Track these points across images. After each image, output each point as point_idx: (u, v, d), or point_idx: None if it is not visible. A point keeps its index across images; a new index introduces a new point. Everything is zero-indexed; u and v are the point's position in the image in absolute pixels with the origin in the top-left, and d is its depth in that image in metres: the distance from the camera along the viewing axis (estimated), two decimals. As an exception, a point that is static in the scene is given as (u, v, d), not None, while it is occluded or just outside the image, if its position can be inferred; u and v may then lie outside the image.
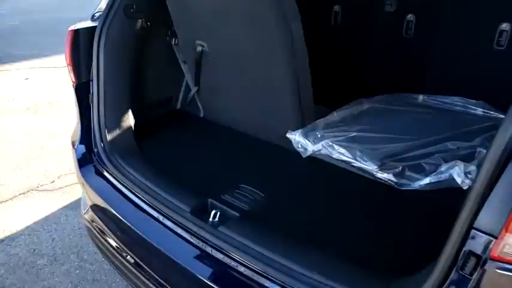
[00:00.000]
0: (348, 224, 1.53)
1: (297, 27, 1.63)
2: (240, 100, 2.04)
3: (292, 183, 1.77)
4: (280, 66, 1.76)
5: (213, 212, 1.55)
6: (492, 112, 2.13)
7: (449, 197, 1.57)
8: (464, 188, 1.54)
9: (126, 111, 2.07)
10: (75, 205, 3.00)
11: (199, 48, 2.04)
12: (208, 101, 2.27)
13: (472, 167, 1.56)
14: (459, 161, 1.59)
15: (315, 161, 1.87)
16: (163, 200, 1.64)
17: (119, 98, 2.04)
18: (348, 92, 2.37)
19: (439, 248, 1.04)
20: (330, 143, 1.81)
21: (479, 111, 2.17)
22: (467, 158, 1.70)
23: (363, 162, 1.72)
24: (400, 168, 1.69)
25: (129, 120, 2.07)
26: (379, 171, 1.69)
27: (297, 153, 1.91)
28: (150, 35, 2.14)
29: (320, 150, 1.84)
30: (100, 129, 1.96)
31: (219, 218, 1.54)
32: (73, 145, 2.11)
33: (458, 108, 2.25)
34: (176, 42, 2.31)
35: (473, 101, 2.22)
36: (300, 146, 1.89)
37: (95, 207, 1.90)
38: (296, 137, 1.90)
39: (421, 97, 2.39)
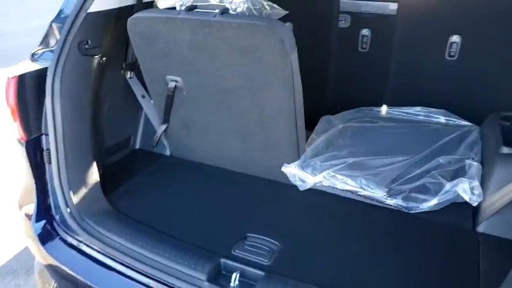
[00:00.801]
0: (381, 262, 1.47)
1: (295, 57, 1.53)
2: (224, 135, 1.88)
3: (303, 222, 1.66)
4: (278, 99, 1.64)
5: (233, 276, 1.38)
6: (453, 119, 2.27)
7: (458, 215, 1.61)
8: (474, 204, 1.59)
9: (90, 164, 1.77)
10: None
11: (171, 84, 1.83)
12: (181, 138, 2.05)
13: (475, 183, 1.62)
14: (462, 179, 1.64)
15: (314, 193, 1.79)
16: (166, 269, 1.42)
17: (81, 150, 1.74)
18: (311, 109, 2.34)
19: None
20: (332, 173, 1.75)
21: (442, 119, 2.29)
22: (460, 171, 1.77)
23: (370, 190, 1.69)
24: (408, 191, 1.69)
25: (95, 174, 1.78)
26: (388, 198, 1.67)
27: (293, 187, 1.82)
28: (104, 70, 1.86)
29: (321, 181, 1.76)
30: (63, 192, 1.64)
31: (240, 281, 1.37)
32: (23, 211, 1.76)
33: (421, 117, 2.35)
34: (132, 75, 2.06)
35: (435, 109, 2.34)
36: (297, 179, 1.80)
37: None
38: (292, 170, 1.80)
39: (383, 110, 2.46)
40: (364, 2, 2.45)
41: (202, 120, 1.91)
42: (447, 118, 2.28)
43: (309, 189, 1.79)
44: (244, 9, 1.61)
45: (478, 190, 1.59)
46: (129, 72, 2.04)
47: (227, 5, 1.61)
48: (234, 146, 1.90)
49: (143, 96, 2.11)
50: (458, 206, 1.64)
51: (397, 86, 2.48)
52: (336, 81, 2.59)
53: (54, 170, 1.63)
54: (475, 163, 1.75)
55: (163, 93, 1.89)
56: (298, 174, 1.79)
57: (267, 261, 1.46)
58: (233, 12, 1.62)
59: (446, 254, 1.48)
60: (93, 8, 1.66)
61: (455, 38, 2.25)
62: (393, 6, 2.37)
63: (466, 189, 1.60)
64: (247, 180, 1.91)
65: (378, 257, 1.48)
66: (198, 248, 1.49)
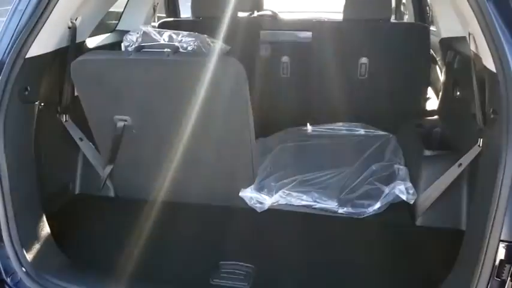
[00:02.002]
0: (349, 266, 1.61)
1: (247, 88, 1.65)
2: (178, 168, 1.89)
3: (271, 241, 1.75)
4: (235, 127, 1.73)
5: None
6: (371, 130, 2.59)
7: (398, 214, 1.86)
8: (411, 202, 1.85)
9: (40, 218, 1.66)
10: None
11: (120, 124, 1.80)
12: (128, 177, 2.01)
13: (408, 184, 1.89)
14: (398, 182, 1.90)
15: (272, 212, 1.90)
16: None
17: (30, 203, 1.62)
18: None
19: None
20: (287, 192, 1.89)
21: (362, 131, 2.60)
22: (392, 175, 2.04)
23: (323, 202, 1.86)
24: (354, 199, 1.90)
25: (46, 226, 1.67)
26: (340, 207, 1.86)
27: (251, 210, 1.91)
28: (42, 115, 1.77)
29: (278, 201, 1.89)
30: (16, 251, 1.51)
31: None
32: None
33: (344, 132, 2.64)
34: (67, 118, 1.97)
35: (354, 123, 2.64)
36: (255, 201, 1.90)
37: None
38: (249, 194, 1.89)
39: (309, 128, 2.69)
40: (281, 32, 2.68)
41: (153, 156, 1.90)
42: (366, 130, 2.59)
43: (267, 209, 1.90)
44: (195, 47, 1.68)
45: (411, 190, 1.86)
46: (64, 116, 1.96)
47: (176, 44, 1.67)
48: (189, 177, 1.92)
49: (81, 139, 2.02)
50: (397, 206, 1.89)
51: (318, 105, 2.74)
52: (261, 105, 2.77)
53: (3, 228, 1.50)
54: (402, 167, 2.04)
55: (110, 134, 1.85)
56: (256, 197, 1.89)
57: (247, 284, 1.52)
58: (184, 51, 1.68)
59: (396, 247, 1.70)
60: (30, 53, 1.58)
61: (364, 60, 2.59)
62: (307, 34, 2.63)
63: (402, 190, 1.86)
64: (205, 210, 1.95)
65: (344, 264, 1.63)
66: (176, 285, 1.49)
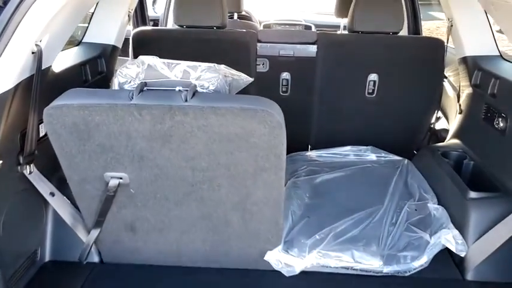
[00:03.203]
0: None
1: (284, 137, 1.30)
2: (188, 230, 1.51)
3: None
4: (267, 185, 1.38)
5: None
6: (383, 154, 2.33)
7: (444, 267, 1.62)
8: (462, 255, 1.61)
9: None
10: None
11: (113, 182, 1.37)
12: (121, 241, 1.59)
13: (455, 231, 1.65)
14: (444, 230, 1.65)
15: (302, 275, 1.58)
16: None
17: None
18: None
19: None
20: (323, 252, 1.57)
21: (373, 156, 2.34)
22: (428, 218, 1.79)
23: (366, 262, 1.58)
24: (397, 253, 1.63)
25: None
26: (385, 266, 1.58)
27: (277, 273, 1.58)
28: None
29: (313, 263, 1.57)
30: None
31: None
32: None
33: (352, 157, 2.36)
34: (32, 169, 1.51)
35: (363, 147, 2.37)
36: (283, 264, 1.57)
37: None
38: (277, 256, 1.56)
39: (313, 154, 2.39)
40: (281, 44, 2.33)
41: (156, 218, 1.50)
42: (377, 155, 2.34)
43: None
44: (219, 86, 1.29)
45: (460, 239, 1.62)
46: (28, 167, 1.48)
47: (193, 81, 1.27)
48: (201, 239, 1.55)
49: (52, 194, 1.57)
50: (440, 256, 1.65)
51: (321, 126, 2.44)
52: None
53: None
54: (437, 206, 1.80)
55: (98, 194, 1.42)
56: (284, 259, 1.56)
57: None
58: (204, 90, 1.29)
59: None
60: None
61: (373, 77, 2.31)
62: (312, 48, 2.31)
63: (450, 240, 1.62)
64: (218, 275, 1.59)
65: None
66: None
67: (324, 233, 1.67)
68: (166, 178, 1.37)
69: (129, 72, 1.28)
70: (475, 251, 1.60)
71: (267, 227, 1.51)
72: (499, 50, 2.04)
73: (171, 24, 3.45)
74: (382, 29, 2.25)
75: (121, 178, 1.38)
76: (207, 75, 1.27)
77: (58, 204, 1.59)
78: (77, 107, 1.21)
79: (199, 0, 2.27)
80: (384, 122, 2.40)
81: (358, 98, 2.37)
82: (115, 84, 1.33)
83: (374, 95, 2.36)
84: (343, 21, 3.73)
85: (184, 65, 1.27)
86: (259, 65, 2.35)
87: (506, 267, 1.60)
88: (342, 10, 3.04)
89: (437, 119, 2.46)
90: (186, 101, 1.21)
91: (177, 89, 1.27)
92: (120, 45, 2.30)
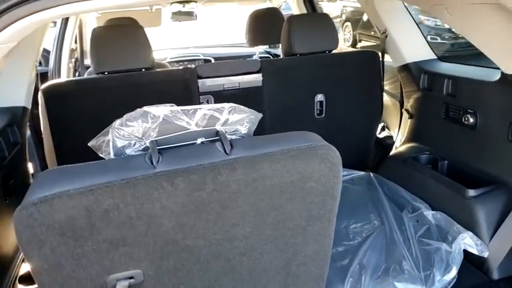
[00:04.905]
0: None
1: (340, 183, 1.09)
2: None
3: None
4: (316, 238, 1.13)
5: None
6: (345, 173, 2.26)
7: (469, 272, 1.59)
8: (485, 255, 1.58)
9: None
10: None
11: (122, 285, 0.97)
12: None
13: (470, 234, 1.62)
14: (462, 235, 1.61)
15: None
16: None
17: None
18: None
19: None
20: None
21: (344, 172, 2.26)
22: (432, 226, 1.75)
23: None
24: (430, 272, 1.53)
25: None
26: (426, 289, 1.46)
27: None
28: None
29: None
30: None
31: None
32: None
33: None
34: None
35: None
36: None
37: None
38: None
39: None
40: (225, 78, 2.12)
41: None
42: (344, 170, 2.26)
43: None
44: (251, 128, 1.02)
45: (477, 240, 1.60)
46: None
47: (218, 128, 0.98)
48: None
49: None
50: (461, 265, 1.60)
51: None
52: None
53: None
54: (436, 213, 1.77)
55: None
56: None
57: None
58: (235, 137, 1.00)
59: None
60: None
61: (320, 97, 2.25)
62: (258, 77, 2.15)
63: (470, 244, 1.59)
64: None
65: None
66: None
67: (354, 272, 1.48)
68: (196, 262, 1.03)
69: (131, 131, 0.93)
70: (495, 248, 1.59)
71: (311, 287, 1.26)
72: (435, 54, 2.16)
73: (64, 76, 2.94)
74: (319, 48, 2.22)
75: (132, 278, 0.99)
76: (235, 117, 1.00)
77: None
78: (78, 193, 0.81)
79: (121, 41, 1.93)
80: (336, 140, 2.31)
81: (308, 120, 2.28)
82: (109, 151, 0.95)
83: (323, 115, 2.29)
84: (257, 49, 3.72)
85: (204, 109, 0.97)
86: (202, 102, 2.10)
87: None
88: (255, 39, 2.98)
89: (383, 128, 2.52)
90: (227, 154, 0.91)
91: (199, 141, 0.97)
92: (29, 106, 1.82)
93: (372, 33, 7.79)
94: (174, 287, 1.06)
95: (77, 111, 1.90)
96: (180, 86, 2.03)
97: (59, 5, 1.04)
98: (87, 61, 3.81)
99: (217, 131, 0.97)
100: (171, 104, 0.97)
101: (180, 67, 2.19)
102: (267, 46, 4.27)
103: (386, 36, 2.21)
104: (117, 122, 0.98)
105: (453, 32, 5.99)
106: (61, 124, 1.87)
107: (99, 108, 1.91)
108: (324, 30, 2.22)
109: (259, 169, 0.93)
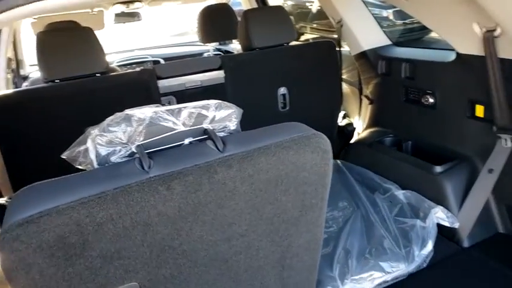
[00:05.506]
0: None
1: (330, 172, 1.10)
2: None
3: None
4: (309, 227, 1.13)
5: None
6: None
7: (442, 243, 1.67)
8: (456, 226, 1.67)
9: None
10: None
11: None
12: None
13: (440, 207, 1.70)
14: (434, 209, 1.68)
15: None
16: None
17: None
18: None
19: None
20: (356, 277, 1.41)
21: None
22: (405, 205, 1.82)
23: (397, 269, 1.48)
24: (410, 249, 1.58)
25: None
26: (408, 265, 1.52)
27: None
28: None
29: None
30: None
31: None
32: None
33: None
34: None
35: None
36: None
37: None
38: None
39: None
40: (186, 77, 2.06)
41: None
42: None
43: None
44: (236, 124, 0.99)
45: (448, 213, 1.68)
46: None
47: (205, 126, 0.94)
48: None
49: None
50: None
51: None
52: None
53: None
54: (406, 191, 1.84)
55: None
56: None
57: None
58: (224, 134, 0.97)
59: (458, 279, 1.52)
60: None
61: (282, 90, 2.26)
62: (219, 74, 2.11)
63: (442, 217, 1.66)
64: None
65: None
66: None
67: (340, 257, 1.50)
68: (193, 266, 0.99)
69: (114, 137, 0.87)
70: (463, 219, 1.68)
71: (304, 276, 1.26)
72: (390, 39, 2.24)
73: (3, 88, 2.72)
74: (277, 41, 2.22)
75: (127, 293, 0.93)
76: (222, 113, 0.97)
77: None
78: (69, 207, 0.75)
79: (71, 46, 1.82)
80: None
81: (273, 114, 2.28)
82: (89, 161, 0.89)
83: (287, 108, 2.31)
84: (210, 47, 3.66)
85: (190, 107, 0.93)
86: (164, 104, 2.03)
87: (488, 222, 1.73)
88: (208, 36, 2.93)
89: (344, 116, 2.58)
90: (220, 151, 0.88)
91: (187, 141, 0.93)
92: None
93: (315, 25, 7.96)
94: None
95: (30, 125, 1.77)
96: (139, 88, 1.95)
97: None
98: (23, 71, 3.58)
99: (205, 129, 0.94)
100: (156, 105, 0.92)
101: (138, 69, 2.09)
102: (218, 44, 4.23)
103: (341, 26, 2.25)
104: (96, 129, 0.91)
105: (391, 20, 6.27)
106: (11, 140, 1.73)
107: (54, 119, 1.79)
108: (281, 23, 2.22)
109: (255, 164, 0.91)
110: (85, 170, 0.91)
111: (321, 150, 0.99)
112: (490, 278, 1.50)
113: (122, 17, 3.74)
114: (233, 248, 1.02)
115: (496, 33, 1.43)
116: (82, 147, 0.93)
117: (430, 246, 1.60)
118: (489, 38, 1.46)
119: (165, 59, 3.91)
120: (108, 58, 1.92)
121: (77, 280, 0.85)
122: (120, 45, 4.77)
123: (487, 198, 1.67)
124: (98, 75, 1.87)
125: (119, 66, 3.62)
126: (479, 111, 1.69)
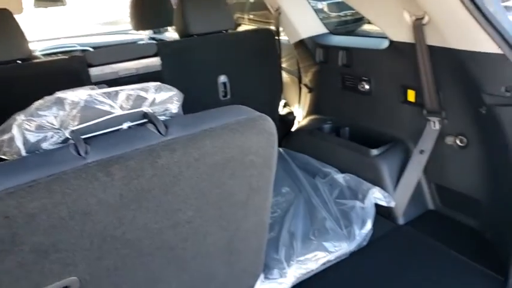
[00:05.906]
0: None
1: (276, 151, 1.11)
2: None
3: None
4: (257, 210, 1.13)
5: None
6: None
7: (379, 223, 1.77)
8: (392, 205, 1.76)
9: None
10: None
11: None
12: None
13: (378, 188, 1.79)
14: (370, 191, 1.76)
15: None
16: None
17: None
18: None
19: None
20: (302, 258, 1.45)
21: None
22: (345, 188, 1.88)
23: (339, 248, 1.54)
24: (351, 229, 1.65)
25: None
26: (349, 244, 1.58)
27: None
28: None
29: (296, 276, 1.42)
30: None
31: None
32: None
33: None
34: None
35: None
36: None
37: None
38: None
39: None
40: (119, 64, 1.96)
41: None
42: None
43: None
44: (178, 107, 0.95)
45: (384, 193, 1.77)
46: None
47: (144, 109, 0.89)
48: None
49: None
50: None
51: None
52: None
53: None
54: (345, 175, 1.91)
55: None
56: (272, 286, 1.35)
57: None
58: (164, 118, 0.93)
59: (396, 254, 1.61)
60: None
61: (223, 78, 2.24)
62: (156, 61, 2.04)
63: (379, 197, 1.75)
64: None
65: None
66: None
67: (285, 240, 1.53)
68: (138, 256, 0.95)
69: (45, 121, 0.80)
70: (398, 198, 1.78)
71: (252, 260, 1.26)
72: (327, 28, 2.29)
73: None
74: (215, 28, 2.18)
75: (67, 287, 0.87)
76: (162, 95, 0.93)
77: None
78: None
79: None
80: None
81: (214, 103, 2.23)
82: (15, 150, 0.81)
83: (228, 97, 2.28)
84: (145, 33, 3.51)
85: (128, 89, 0.88)
86: None
87: (420, 200, 1.84)
88: (140, 23, 2.81)
89: (284, 105, 2.61)
90: (163, 135, 0.85)
91: (125, 125, 0.88)
92: None
93: (252, 16, 7.97)
94: (115, 285, 0.97)
95: None
96: (68, 77, 1.82)
97: None
98: None
99: (145, 112, 0.89)
100: (91, 87, 0.86)
101: (65, 57, 1.96)
102: (152, 32, 4.09)
103: (279, 14, 2.26)
104: (22, 115, 0.84)
105: (326, 12, 6.47)
106: None
107: None
108: (218, 9, 2.19)
109: (200, 147, 0.88)
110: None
111: (266, 132, 0.99)
112: (423, 251, 1.61)
113: (43, 0, 3.42)
114: (179, 235, 0.99)
115: (424, 21, 1.51)
116: (6, 136, 0.85)
117: (369, 225, 1.67)
118: (418, 26, 1.54)
119: (95, 49, 3.71)
120: (30, 46, 1.78)
121: (7, 278, 0.77)
122: (43, 33, 4.43)
123: (419, 178, 1.78)
124: (19, 62, 1.73)
125: (43, 55, 3.37)
126: (411, 96, 1.79)
